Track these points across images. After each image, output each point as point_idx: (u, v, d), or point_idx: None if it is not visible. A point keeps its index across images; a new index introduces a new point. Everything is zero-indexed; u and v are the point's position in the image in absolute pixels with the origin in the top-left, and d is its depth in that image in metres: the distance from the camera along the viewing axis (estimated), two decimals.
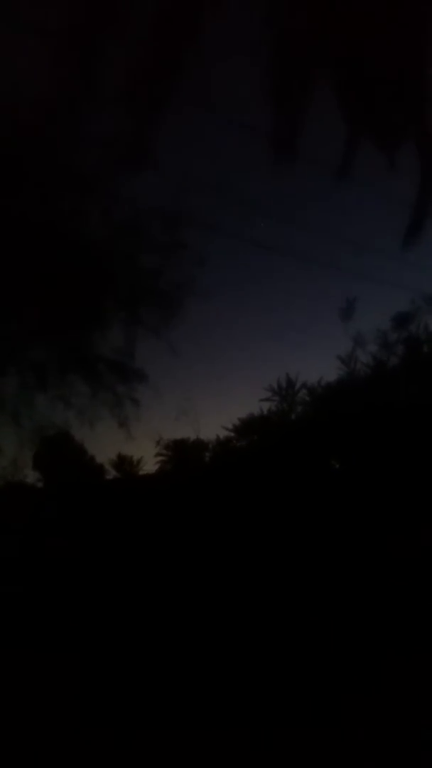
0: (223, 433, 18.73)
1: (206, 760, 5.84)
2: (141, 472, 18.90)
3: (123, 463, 18.87)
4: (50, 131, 9.44)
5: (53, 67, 7.79)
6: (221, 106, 10.47)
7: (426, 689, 7.19)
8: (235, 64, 9.47)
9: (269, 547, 12.59)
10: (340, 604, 10.12)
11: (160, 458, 18.65)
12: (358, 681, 7.49)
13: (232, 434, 18.90)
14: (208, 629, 9.36)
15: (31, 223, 10.27)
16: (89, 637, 9.35)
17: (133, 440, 14.32)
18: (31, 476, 15.82)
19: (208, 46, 8.00)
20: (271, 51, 7.78)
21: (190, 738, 6.21)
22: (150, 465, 19.12)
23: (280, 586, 11.00)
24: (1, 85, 8.92)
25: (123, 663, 8.28)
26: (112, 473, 18.52)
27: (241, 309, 18.50)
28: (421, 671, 7.71)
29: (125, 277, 12.50)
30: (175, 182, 11.49)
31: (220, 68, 9.49)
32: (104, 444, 16.99)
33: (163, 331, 13.03)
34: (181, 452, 18.18)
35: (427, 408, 15.58)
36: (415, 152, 9.89)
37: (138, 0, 7.14)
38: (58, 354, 12.69)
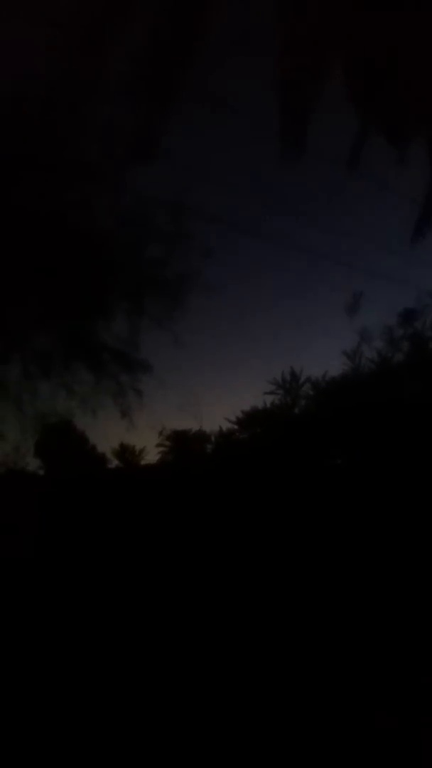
0: (226, 425, 18.75)
1: (206, 760, 5.87)
2: (143, 462, 18.95)
3: (125, 452, 18.88)
4: (57, 120, 9.42)
5: (61, 55, 7.77)
6: (230, 97, 10.42)
7: (426, 688, 7.21)
8: (245, 56, 9.42)
9: (269, 540, 12.62)
10: (340, 599, 10.13)
11: (161, 448, 18.69)
12: (357, 680, 7.50)
13: (235, 426, 18.92)
14: (205, 622, 9.40)
15: (37, 212, 10.26)
16: (88, 626, 9.39)
17: (136, 430, 14.35)
18: (33, 464, 15.91)
19: (219, 38, 7.96)
20: (281, 44, 7.74)
21: (190, 737, 6.24)
22: (152, 455, 19.15)
23: (280, 579, 11.02)
24: (9, 74, 8.90)
25: (122, 656, 8.30)
26: (113, 462, 18.57)
27: (247, 302, 18.38)
28: (421, 669, 7.71)
29: (131, 267, 12.50)
30: (183, 174, 11.47)
31: (230, 60, 9.44)
32: (107, 433, 16.99)
33: (168, 322, 13.04)
34: (183, 443, 18.20)
35: (430, 405, 15.54)
36: (426, 148, 9.85)
37: None
38: (62, 342, 12.71)
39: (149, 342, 13.42)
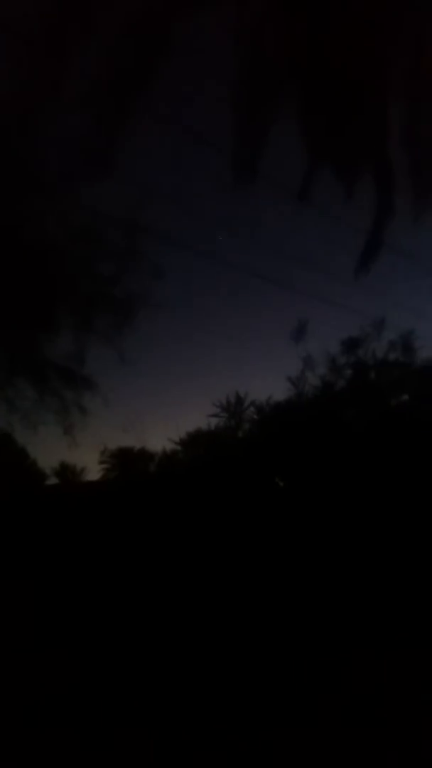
0: (169, 446, 18.74)
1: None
2: (84, 480, 18.72)
3: (65, 471, 18.62)
4: (12, 133, 9.37)
5: (19, 68, 7.78)
6: (187, 121, 10.62)
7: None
8: (202, 81, 9.65)
9: (209, 557, 12.60)
10: (278, 617, 10.17)
11: (103, 466, 18.53)
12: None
13: (179, 447, 18.92)
14: (143, 636, 9.28)
15: None
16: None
17: (78, 447, 14.19)
18: None
19: (178, 61, 8.15)
20: (238, 72, 7.97)
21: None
22: (93, 474, 18.95)
23: (218, 595, 11.01)
24: None
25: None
26: (53, 480, 18.27)
27: (195, 323, 18.62)
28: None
29: (81, 283, 12.45)
30: (137, 194, 11.59)
31: (189, 84, 9.65)
32: (48, 450, 16.76)
33: (116, 339, 13.02)
34: (126, 461, 18.09)
35: (369, 431, 15.93)
36: (372, 184, 10.24)
37: (111, 9, 7.22)
38: (5, 355, 12.50)
39: (95, 359, 13.37)
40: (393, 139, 9.29)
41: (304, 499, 15.52)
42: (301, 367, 18.22)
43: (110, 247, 12.24)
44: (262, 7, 7.33)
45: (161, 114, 9.56)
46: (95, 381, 13.37)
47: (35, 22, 7.23)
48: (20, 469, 16.27)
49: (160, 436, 18.45)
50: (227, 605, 10.68)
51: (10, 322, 11.77)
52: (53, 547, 13.10)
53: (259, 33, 7.46)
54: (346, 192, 10.40)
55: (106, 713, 6.86)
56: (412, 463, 15.02)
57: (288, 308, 17.34)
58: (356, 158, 9.93)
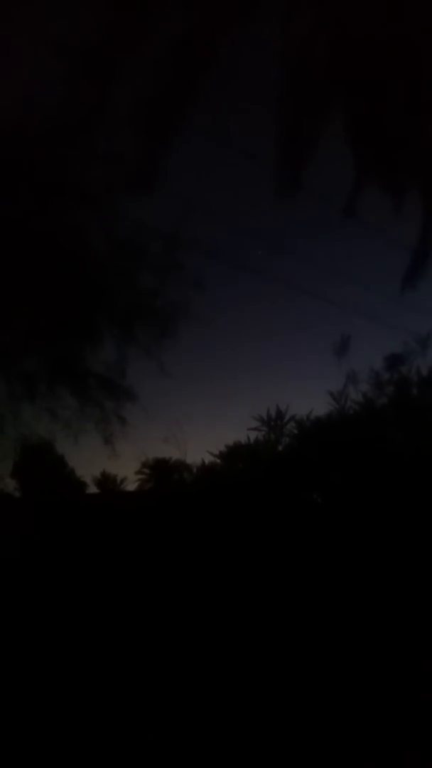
0: (208, 458, 18.66)
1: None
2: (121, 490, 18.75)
3: (106, 481, 18.67)
4: (59, 144, 9.54)
5: (66, 82, 7.91)
6: (230, 134, 10.64)
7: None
8: (247, 95, 9.65)
9: (242, 571, 12.51)
10: (311, 637, 10.04)
11: (139, 476, 18.53)
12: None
13: (217, 460, 18.82)
14: (177, 650, 9.27)
15: (30, 233, 10.32)
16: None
17: (118, 458, 14.23)
18: (10, 485, 15.70)
19: (222, 74, 8.15)
20: (283, 86, 7.94)
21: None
22: (132, 484, 19.00)
23: (251, 610, 10.91)
24: (15, 97, 9.01)
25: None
26: (92, 489, 18.36)
27: (237, 336, 18.49)
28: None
29: (122, 294, 12.55)
30: (180, 206, 11.65)
31: (232, 98, 9.66)
32: (88, 460, 16.81)
33: (157, 351, 13.05)
34: (161, 472, 18.05)
35: (410, 451, 15.62)
36: (420, 198, 10.07)
37: (156, 25, 7.28)
38: (48, 365, 12.64)
39: (136, 370, 13.40)
40: None
41: (341, 516, 15.29)
42: (343, 382, 17.95)
43: (152, 259, 12.32)
44: (310, 19, 7.28)
45: (205, 128, 9.60)
46: (135, 391, 13.41)
47: (82, 38, 7.35)
48: (58, 477, 16.40)
49: (200, 448, 18.30)
50: (260, 619, 10.61)
51: (53, 332, 11.93)
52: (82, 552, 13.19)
53: (306, 46, 7.40)
54: (393, 207, 10.25)
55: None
56: None
57: (331, 323, 17.09)
58: (404, 172, 9.76)
